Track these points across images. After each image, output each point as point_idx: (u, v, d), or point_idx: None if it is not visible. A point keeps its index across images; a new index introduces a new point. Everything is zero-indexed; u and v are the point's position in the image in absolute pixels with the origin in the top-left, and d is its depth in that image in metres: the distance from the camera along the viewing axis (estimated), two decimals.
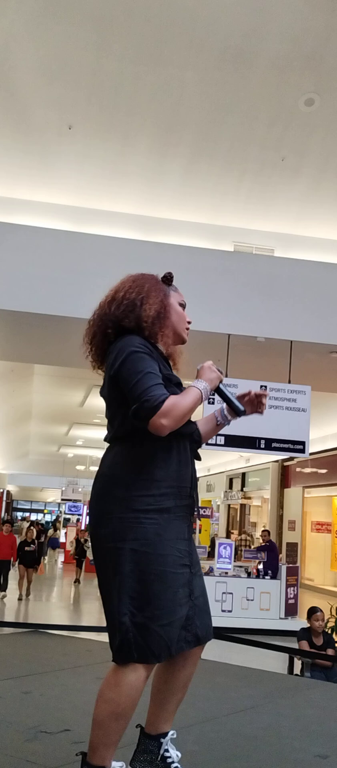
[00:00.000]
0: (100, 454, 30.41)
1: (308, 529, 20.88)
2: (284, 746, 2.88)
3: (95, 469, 14.57)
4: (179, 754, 2.33)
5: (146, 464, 2.13)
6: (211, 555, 14.39)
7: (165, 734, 2.32)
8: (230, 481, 26.90)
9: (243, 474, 25.45)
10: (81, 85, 10.42)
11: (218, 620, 10.85)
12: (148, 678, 2.20)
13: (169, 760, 2.28)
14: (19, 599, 13.99)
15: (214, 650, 6.14)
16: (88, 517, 2.25)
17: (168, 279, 2.49)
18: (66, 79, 10.28)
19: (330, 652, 6.36)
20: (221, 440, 10.44)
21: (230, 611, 11.26)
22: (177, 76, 10.21)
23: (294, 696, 3.44)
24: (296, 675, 6.12)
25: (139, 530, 2.08)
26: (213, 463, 26.13)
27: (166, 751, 2.29)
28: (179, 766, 2.29)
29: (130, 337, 2.23)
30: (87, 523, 29.56)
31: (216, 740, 2.91)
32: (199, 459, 2.37)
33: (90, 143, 11.36)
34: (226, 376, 10.65)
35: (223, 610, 11.33)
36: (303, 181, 11.72)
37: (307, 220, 12.33)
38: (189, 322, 2.49)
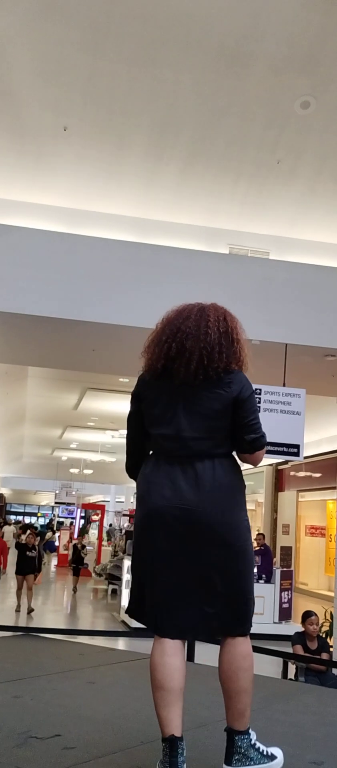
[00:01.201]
0: (94, 457, 30.29)
1: (302, 533, 20.87)
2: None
3: (89, 472, 14.46)
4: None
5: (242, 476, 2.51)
6: None
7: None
8: None
9: None
10: (76, 87, 10.39)
11: None
12: None
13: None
14: (17, 610, 12.93)
15: (208, 655, 6.09)
16: (215, 522, 2.41)
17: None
18: (61, 80, 10.25)
19: (324, 656, 6.33)
20: None
21: None
22: (173, 78, 10.20)
23: (288, 701, 3.41)
24: (291, 680, 6.09)
25: (250, 533, 2.55)
26: None
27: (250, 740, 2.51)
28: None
29: (246, 377, 2.56)
30: (80, 527, 29.47)
31: (210, 746, 2.87)
32: None
33: (85, 145, 11.33)
34: None
35: None
36: (299, 184, 11.72)
37: (302, 223, 12.33)
38: None
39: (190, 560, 2.39)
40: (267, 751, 2.48)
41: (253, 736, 2.48)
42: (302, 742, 2.99)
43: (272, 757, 2.47)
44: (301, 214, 12.19)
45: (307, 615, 6.40)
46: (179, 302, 9.54)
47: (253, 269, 10.89)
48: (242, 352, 2.53)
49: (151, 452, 2.59)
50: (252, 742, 2.46)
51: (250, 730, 2.48)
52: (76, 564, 18.09)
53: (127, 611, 2.64)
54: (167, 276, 10.39)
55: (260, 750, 2.46)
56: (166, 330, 2.58)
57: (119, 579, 14.16)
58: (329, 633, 7.28)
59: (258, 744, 2.48)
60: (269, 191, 11.82)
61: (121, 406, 18.71)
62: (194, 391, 2.42)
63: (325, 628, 7.85)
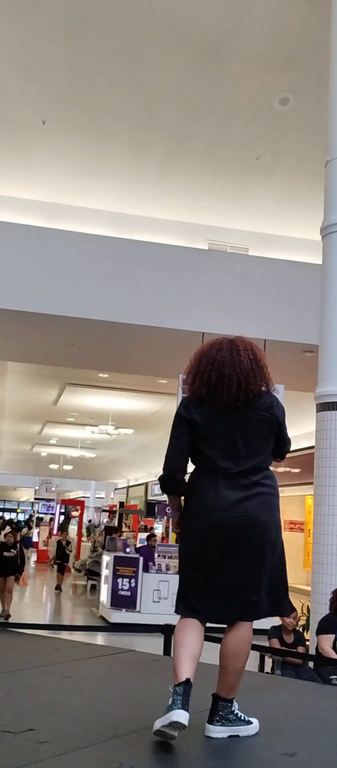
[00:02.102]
0: (74, 452, 30.15)
1: (282, 529, 20.94)
2: (251, 744, 2.85)
3: (69, 468, 14.46)
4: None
5: None
6: None
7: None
8: None
9: None
10: (56, 80, 10.32)
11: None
12: None
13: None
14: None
15: None
16: (261, 519, 2.85)
17: None
18: (40, 73, 10.18)
19: (301, 649, 6.38)
20: None
21: None
22: (153, 73, 10.17)
23: (263, 694, 3.43)
24: (267, 673, 6.12)
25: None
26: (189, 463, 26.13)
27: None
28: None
29: (278, 398, 2.93)
30: (61, 522, 29.36)
31: (182, 739, 2.86)
32: None
33: (65, 139, 11.26)
34: None
35: None
36: (278, 180, 11.76)
37: (281, 219, 12.37)
38: None
39: (240, 560, 2.78)
40: (245, 717, 2.87)
41: (235, 706, 2.86)
42: (274, 734, 3.00)
43: (248, 722, 2.87)
44: (280, 210, 12.24)
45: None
46: (158, 297, 9.57)
47: (232, 265, 10.92)
48: (270, 375, 2.91)
49: (200, 467, 2.92)
50: (233, 709, 2.85)
51: (234, 701, 2.86)
52: (60, 561, 17.18)
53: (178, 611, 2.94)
54: (147, 271, 10.38)
55: (239, 716, 2.86)
56: (203, 361, 2.88)
57: (98, 574, 14.14)
58: (306, 627, 7.34)
59: (237, 711, 2.86)
60: (248, 187, 11.85)
61: (101, 401, 18.67)
62: (240, 413, 2.80)
63: (302, 622, 7.90)
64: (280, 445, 2.93)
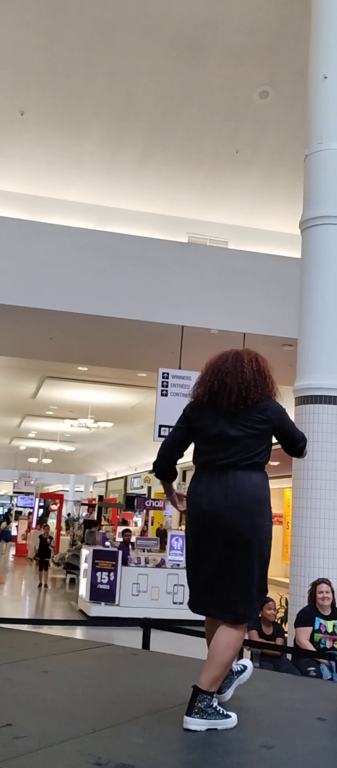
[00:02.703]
0: (53, 446, 29.96)
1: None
2: (229, 737, 2.86)
3: (48, 461, 14.40)
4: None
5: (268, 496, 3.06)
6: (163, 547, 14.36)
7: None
8: (184, 473, 26.98)
9: None
10: (33, 70, 10.23)
11: (169, 612, 10.85)
12: None
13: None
14: None
15: (164, 642, 6.10)
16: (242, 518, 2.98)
17: None
18: (17, 63, 10.08)
19: (279, 641, 6.41)
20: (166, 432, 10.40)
21: (181, 603, 11.28)
22: (131, 65, 10.12)
23: (241, 686, 3.43)
24: None
25: (270, 539, 3.08)
26: None
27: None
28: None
29: (278, 402, 3.11)
30: (40, 516, 29.21)
31: (161, 733, 2.87)
32: None
33: (43, 130, 11.17)
34: (179, 368, 10.63)
35: (174, 602, 11.34)
36: (257, 173, 11.78)
37: (260, 212, 12.40)
38: None
39: (220, 557, 2.95)
40: (223, 711, 2.90)
41: (215, 701, 2.88)
42: (253, 727, 3.02)
43: (227, 716, 2.90)
44: (259, 203, 12.27)
45: (264, 601, 6.46)
46: (138, 291, 9.54)
47: (212, 258, 10.93)
48: (274, 384, 3.10)
49: (197, 462, 3.14)
50: (212, 703, 2.86)
51: (214, 695, 2.89)
52: (41, 557, 16.22)
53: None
54: (126, 264, 10.34)
55: (218, 710, 2.88)
56: (209, 371, 3.11)
57: (77, 568, 14.10)
58: (284, 619, 7.38)
59: (216, 705, 2.88)
60: (227, 180, 11.86)
61: (80, 395, 18.60)
62: (237, 418, 2.99)
63: (280, 614, 7.95)
64: (288, 443, 3.16)
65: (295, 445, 3.16)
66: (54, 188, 12.08)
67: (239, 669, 3.24)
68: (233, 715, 2.95)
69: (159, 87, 10.49)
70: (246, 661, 3.27)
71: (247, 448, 2.98)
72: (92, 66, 10.19)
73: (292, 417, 7.13)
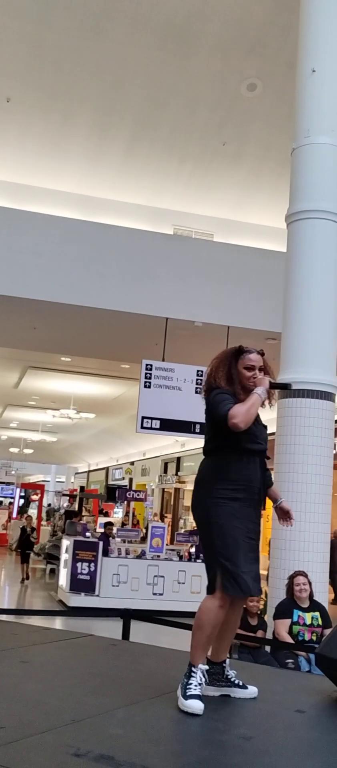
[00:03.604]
0: (34, 436, 29.82)
1: None
2: (208, 728, 2.86)
3: (30, 451, 14.36)
4: (235, 672, 3.35)
5: (228, 470, 3.21)
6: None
7: (224, 661, 3.34)
8: (165, 465, 26.99)
9: (178, 458, 25.55)
10: (20, 58, 10.12)
11: (148, 603, 10.85)
12: (224, 609, 3.15)
13: (230, 677, 3.33)
14: None
15: (143, 633, 6.10)
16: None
17: (238, 352, 3.38)
18: (4, 49, 9.96)
19: (260, 634, 6.43)
20: (156, 424, 10.40)
21: (161, 594, 11.28)
22: (119, 55, 10.05)
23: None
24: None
25: (218, 510, 3.16)
26: (149, 447, 26.16)
27: (228, 671, 3.33)
28: (238, 679, 3.33)
29: (215, 390, 3.33)
30: (21, 506, 29.08)
31: (140, 723, 2.86)
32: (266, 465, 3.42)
33: (29, 119, 11.07)
34: (163, 360, 10.61)
35: (154, 593, 11.34)
36: (244, 167, 11.77)
37: (246, 206, 12.40)
38: (254, 376, 3.31)
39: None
40: (191, 693, 2.99)
41: (194, 680, 3.04)
42: (232, 718, 3.02)
43: (189, 698, 2.98)
44: (245, 197, 12.26)
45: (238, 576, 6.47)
46: (122, 281, 9.46)
47: (197, 251, 10.91)
48: (217, 378, 3.32)
49: None
50: (186, 680, 3.05)
51: (192, 671, 3.08)
52: (23, 549, 15.35)
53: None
54: (111, 255, 10.29)
55: (187, 686, 3.03)
56: None
57: (58, 558, 14.05)
58: (263, 611, 7.41)
59: (191, 684, 3.03)
60: (214, 173, 11.84)
61: (63, 385, 18.51)
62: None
63: (260, 606, 7.97)
64: (217, 422, 3.27)
65: (219, 418, 3.22)
66: (39, 177, 11.98)
67: (235, 681, 3.33)
68: (197, 705, 2.97)
69: (147, 78, 10.43)
70: (252, 689, 3.33)
71: (204, 437, 3.36)
72: (80, 55, 10.10)
73: (274, 411, 7.15)
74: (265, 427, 3.40)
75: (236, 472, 3.22)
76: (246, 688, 3.31)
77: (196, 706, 2.96)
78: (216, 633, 3.22)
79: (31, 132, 11.23)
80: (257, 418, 3.32)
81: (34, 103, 10.82)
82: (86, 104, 10.93)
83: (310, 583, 6.00)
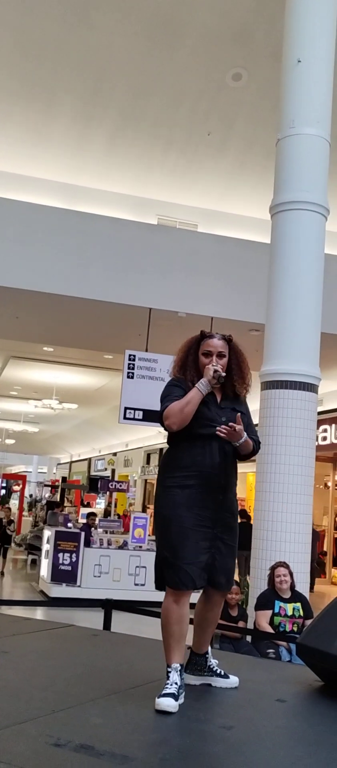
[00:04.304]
0: (16, 426, 29.62)
1: None
2: (189, 717, 2.85)
3: (12, 442, 14.26)
4: (217, 662, 3.35)
5: (178, 458, 3.14)
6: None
7: (207, 652, 3.32)
8: (148, 456, 27.00)
9: (161, 449, 25.53)
10: (3, 44, 10.00)
11: (130, 594, 10.85)
12: (180, 603, 3.04)
13: (212, 666, 3.32)
14: None
15: (125, 623, 6.09)
16: None
17: (200, 337, 3.31)
18: None
19: (241, 624, 6.46)
20: (139, 415, 10.38)
21: (143, 585, 11.28)
22: (104, 41, 9.97)
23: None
24: None
25: (165, 500, 3.11)
26: (131, 438, 26.13)
27: (210, 662, 3.33)
28: (222, 670, 3.32)
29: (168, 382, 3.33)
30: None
31: (121, 713, 2.84)
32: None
33: (12, 106, 10.95)
34: (146, 350, 10.58)
35: (136, 584, 11.34)
36: (229, 157, 11.75)
37: (231, 197, 12.39)
38: (210, 364, 3.18)
39: None
40: (164, 692, 2.91)
41: (169, 680, 2.97)
42: (212, 708, 3.02)
43: (161, 696, 2.90)
44: (230, 187, 12.24)
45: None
46: (106, 271, 9.39)
47: (181, 241, 10.88)
48: (174, 366, 3.31)
49: None
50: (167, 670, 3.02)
51: (167, 671, 3.00)
52: (0, 542, 14.61)
53: None
54: (95, 244, 10.22)
55: (163, 686, 2.95)
56: None
57: (39, 549, 14.00)
58: (245, 602, 7.44)
59: (166, 684, 2.96)
60: (199, 163, 11.80)
61: (45, 375, 18.41)
62: None
63: (242, 597, 8.00)
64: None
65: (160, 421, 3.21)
66: (22, 164, 11.86)
67: (217, 670, 3.33)
68: (170, 703, 2.88)
69: (131, 66, 10.35)
70: (234, 678, 3.33)
71: None
72: (64, 43, 10.00)
73: (257, 402, 7.15)
74: (235, 409, 3.20)
75: (187, 459, 3.12)
76: (228, 677, 3.30)
77: (165, 703, 2.87)
78: (185, 628, 3.09)
79: (14, 119, 11.11)
80: (215, 400, 3.19)
81: (16, 90, 10.70)
82: (70, 92, 10.83)
83: (291, 574, 6.02)
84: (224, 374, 3.14)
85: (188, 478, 3.09)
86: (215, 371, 3.11)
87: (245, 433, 3.12)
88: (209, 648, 3.35)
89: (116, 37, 9.90)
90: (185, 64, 10.25)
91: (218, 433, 3.06)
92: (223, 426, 3.06)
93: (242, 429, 3.07)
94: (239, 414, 3.11)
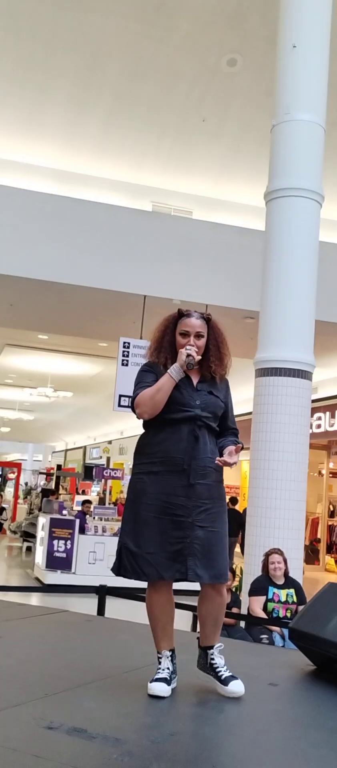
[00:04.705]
0: (11, 414, 29.57)
1: None
2: (180, 701, 2.88)
3: (7, 430, 14.20)
4: (223, 662, 3.05)
5: (146, 444, 3.04)
6: None
7: (211, 647, 3.05)
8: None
9: None
10: None
11: (125, 580, 10.84)
12: (160, 592, 2.96)
13: (215, 665, 3.03)
14: None
15: (119, 609, 6.10)
16: None
17: (177, 316, 3.13)
18: None
19: (235, 610, 6.48)
20: (126, 402, 10.37)
21: None
22: (98, 24, 9.90)
23: (194, 652, 3.44)
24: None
25: (132, 487, 3.03)
26: (126, 426, 26.14)
27: (213, 659, 3.04)
28: (222, 671, 3.01)
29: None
30: None
31: (113, 697, 2.86)
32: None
33: (4, 90, 10.86)
34: (140, 338, 10.56)
35: None
36: (223, 143, 11.70)
37: (226, 183, 12.35)
38: (188, 345, 3.02)
39: None
40: (156, 677, 2.91)
41: (160, 665, 2.96)
42: (205, 691, 3.04)
43: (152, 681, 2.90)
44: (225, 174, 12.20)
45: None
46: (100, 258, 9.36)
47: (175, 228, 10.85)
48: (149, 352, 3.17)
49: None
50: (158, 656, 3.01)
51: (161, 652, 2.99)
52: None
53: None
54: (89, 231, 10.18)
55: (156, 671, 2.96)
56: None
57: (34, 536, 14.01)
58: (239, 588, 7.47)
59: (157, 669, 2.96)
60: (193, 149, 11.75)
61: (40, 363, 18.37)
62: None
63: (235, 584, 8.03)
64: None
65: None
66: (15, 150, 11.79)
67: (219, 672, 3.06)
68: (159, 687, 2.87)
69: (126, 48, 10.29)
70: (232, 688, 2.99)
71: None
72: (58, 24, 9.93)
73: (252, 389, 7.15)
74: (212, 392, 3.06)
75: (154, 445, 2.99)
76: (226, 684, 2.98)
77: (156, 688, 2.86)
78: (170, 614, 3.02)
79: (7, 104, 11.03)
80: (191, 383, 3.03)
81: (9, 74, 10.63)
82: (64, 76, 10.76)
83: (285, 561, 6.04)
84: (195, 360, 2.96)
85: (154, 465, 2.96)
86: (188, 356, 2.94)
87: (235, 452, 2.96)
88: (216, 645, 3.07)
89: (110, 21, 9.84)
90: (179, 49, 10.19)
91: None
92: (217, 459, 2.95)
93: (232, 456, 2.94)
94: (234, 447, 2.97)
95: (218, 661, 3.04)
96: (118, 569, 3.04)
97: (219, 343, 3.12)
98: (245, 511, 9.47)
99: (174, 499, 2.91)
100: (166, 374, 2.96)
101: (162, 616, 2.98)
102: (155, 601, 2.98)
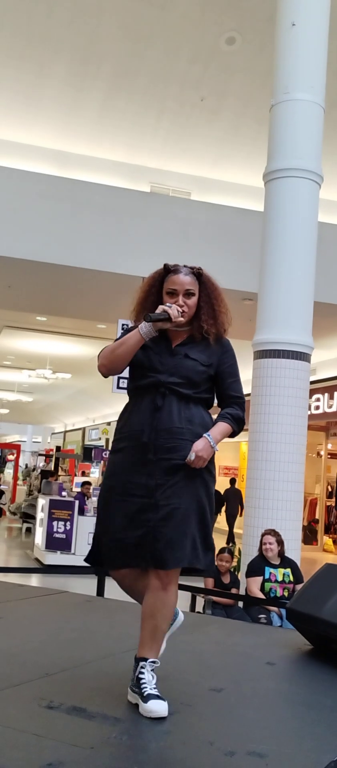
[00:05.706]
0: (10, 396, 29.55)
1: (216, 473, 21.28)
2: (180, 681, 2.90)
3: (6, 411, 14.21)
4: (154, 681, 2.51)
5: (119, 420, 2.74)
6: None
7: (143, 659, 2.55)
8: None
9: None
10: None
11: None
12: (122, 583, 2.69)
13: (141, 680, 2.52)
14: None
15: (118, 589, 6.15)
16: None
17: (164, 272, 2.77)
18: None
19: (234, 591, 6.54)
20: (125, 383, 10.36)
21: None
22: (95, 4, 9.81)
23: (193, 632, 3.48)
24: (198, 612, 6.25)
25: (106, 469, 2.75)
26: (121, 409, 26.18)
27: (142, 672, 2.52)
28: (149, 689, 2.47)
29: None
30: None
31: (114, 676, 2.89)
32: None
33: (1, 70, 10.77)
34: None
35: None
36: (222, 123, 11.62)
37: (224, 164, 12.27)
38: (178, 302, 2.69)
39: None
40: (147, 693, 2.50)
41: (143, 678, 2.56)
42: (203, 671, 3.07)
43: (145, 699, 2.49)
44: (223, 154, 12.13)
45: (219, 551, 6.60)
46: (98, 240, 9.35)
47: (174, 209, 10.80)
48: (132, 314, 2.83)
49: None
50: None
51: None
52: None
53: None
54: (87, 212, 10.14)
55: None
56: None
57: (34, 518, 14.06)
58: (237, 568, 7.51)
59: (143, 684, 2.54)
60: (192, 129, 11.67)
61: (39, 345, 18.35)
62: None
63: (234, 564, 8.09)
64: None
65: None
66: (12, 130, 11.70)
67: (143, 690, 2.53)
68: (156, 706, 2.48)
69: (123, 28, 10.19)
70: (151, 706, 2.46)
71: None
72: (55, 4, 9.83)
73: (250, 371, 7.15)
74: (187, 355, 2.64)
75: (122, 420, 2.70)
76: (146, 702, 2.44)
77: (155, 708, 2.44)
78: (147, 614, 2.58)
79: (3, 84, 10.94)
80: (168, 345, 2.66)
81: (6, 54, 10.52)
82: (61, 56, 10.67)
83: (282, 542, 6.07)
84: (173, 320, 2.56)
85: (120, 441, 2.65)
86: (164, 312, 2.56)
87: (207, 448, 2.59)
88: (150, 660, 2.54)
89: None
90: (177, 27, 10.10)
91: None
92: (187, 459, 2.54)
93: (197, 457, 2.55)
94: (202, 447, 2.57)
95: (147, 676, 2.52)
96: (86, 557, 2.79)
97: (213, 299, 2.74)
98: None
99: (136, 478, 2.55)
100: (135, 329, 2.62)
101: (144, 609, 2.59)
102: (124, 586, 2.71)
